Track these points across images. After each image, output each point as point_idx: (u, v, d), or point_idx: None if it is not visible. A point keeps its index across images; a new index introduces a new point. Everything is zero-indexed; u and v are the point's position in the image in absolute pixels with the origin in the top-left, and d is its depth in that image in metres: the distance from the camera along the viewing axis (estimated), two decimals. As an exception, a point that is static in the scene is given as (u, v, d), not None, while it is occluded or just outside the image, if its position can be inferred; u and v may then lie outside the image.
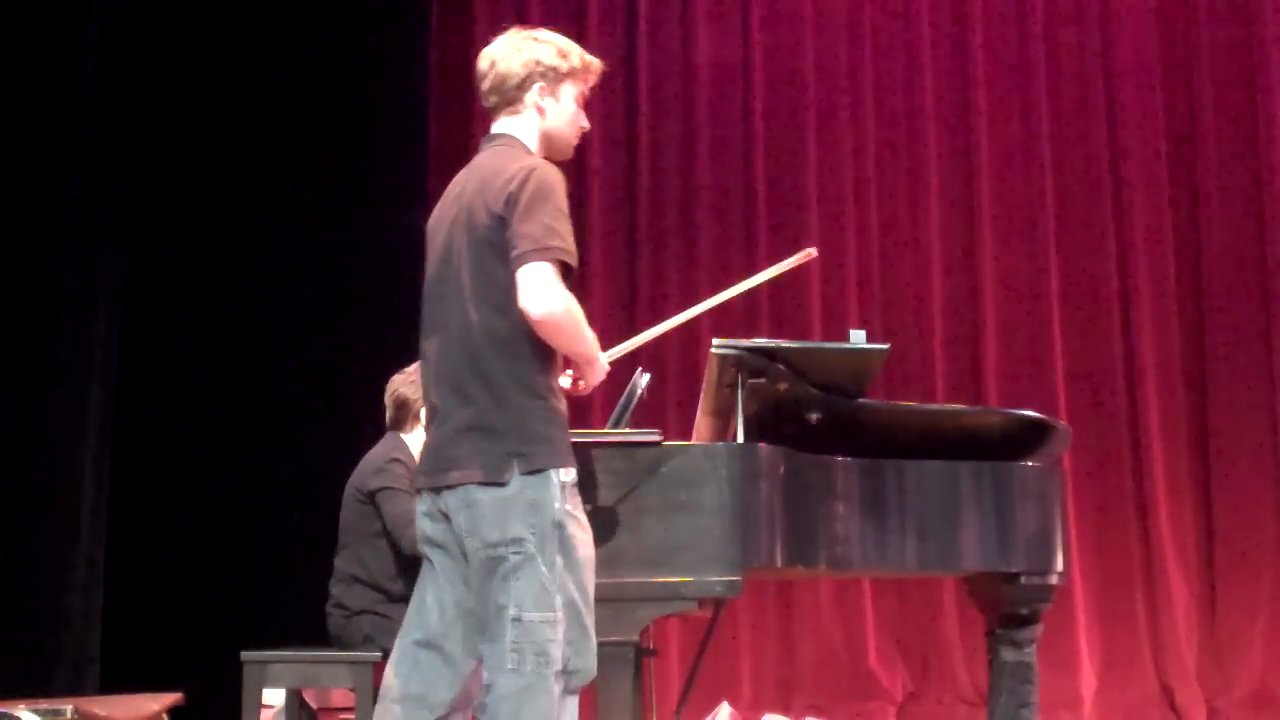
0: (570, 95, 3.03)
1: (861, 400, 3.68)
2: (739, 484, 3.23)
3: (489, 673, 2.80)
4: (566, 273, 2.81)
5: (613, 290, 6.34)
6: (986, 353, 6.21)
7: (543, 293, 2.75)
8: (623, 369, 5.93)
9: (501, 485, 2.77)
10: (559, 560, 2.77)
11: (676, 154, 6.48)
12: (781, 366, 3.48)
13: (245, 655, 4.25)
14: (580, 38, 6.43)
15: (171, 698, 4.51)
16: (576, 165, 6.48)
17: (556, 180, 2.86)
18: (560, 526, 2.78)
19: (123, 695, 4.58)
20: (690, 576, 3.19)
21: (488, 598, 2.80)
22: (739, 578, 3.20)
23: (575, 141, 3.09)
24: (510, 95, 3.00)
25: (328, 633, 4.36)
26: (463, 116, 6.31)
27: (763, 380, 3.46)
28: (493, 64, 3.02)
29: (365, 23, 6.17)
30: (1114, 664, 5.98)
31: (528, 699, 2.74)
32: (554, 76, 3.00)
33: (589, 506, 3.02)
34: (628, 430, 3.33)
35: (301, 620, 4.60)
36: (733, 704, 5.92)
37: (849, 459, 3.54)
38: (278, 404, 6.01)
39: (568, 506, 2.80)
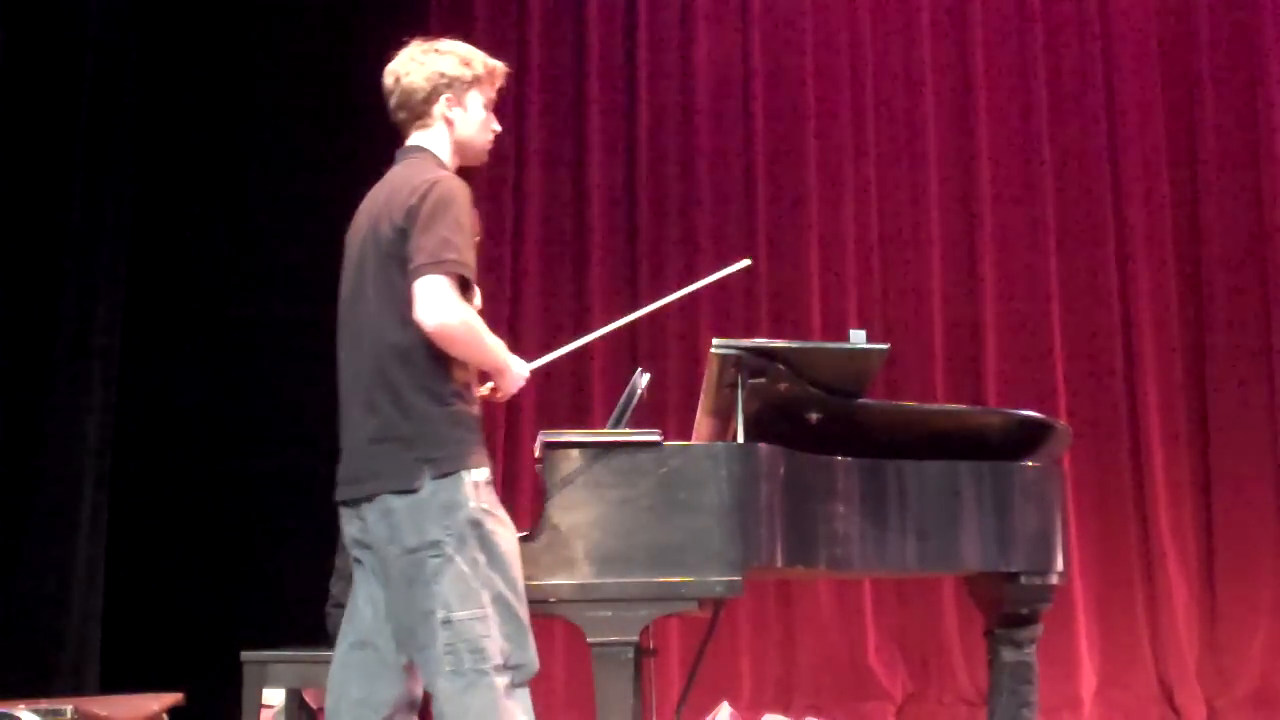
0: (478, 102, 3.09)
1: (861, 400, 3.68)
2: (739, 484, 3.23)
3: (427, 681, 2.83)
4: (465, 286, 2.87)
5: (613, 291, 6.33)
6: (986, 353, 6.21)
7: (435, 306, 2.80)
8: (622, 369, 5.97)
9: (414, 491, 2.81)
10: (480, 558, 2.79)
11: (676, 154, 6.48)
12: (781, 366, 3.48)
13: (245, 655, 4.25)
14: (580, 39, 6.54)
15: (171, 698, 4.50)
16: (576, 166, 6.49)
17: (458, 193, 2.90)
18: (477, 524, 2.80)
19: (123, 695, 4.58)
20: (690, 576, 3.19)
21: (413, 605, 2.82)
22: (739, 578, 3.20)
23: (488, 146, 3.15)
24: (418, 109, 3.07)
25: (327, 633, 4.35)
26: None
27: (763, 380, 3.46)
28: (397, 80, 3.08)
29: (363, 22, 6.17)
30: (1114, 664, 5.98)
31: (472, 697, 2.75)
32: (459, 86, 3.06)
33: (591, 507, 3.02)
34: (628, 430, 3.33)
35: (301, 620, 4.60)
36: (733, 704, 5.92)
37: (849, 459, 3.54)
38: (278, 403, 6.00)
39: (483, 505, 2.82)
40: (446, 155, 3.07)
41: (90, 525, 5.62)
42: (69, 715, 4.11)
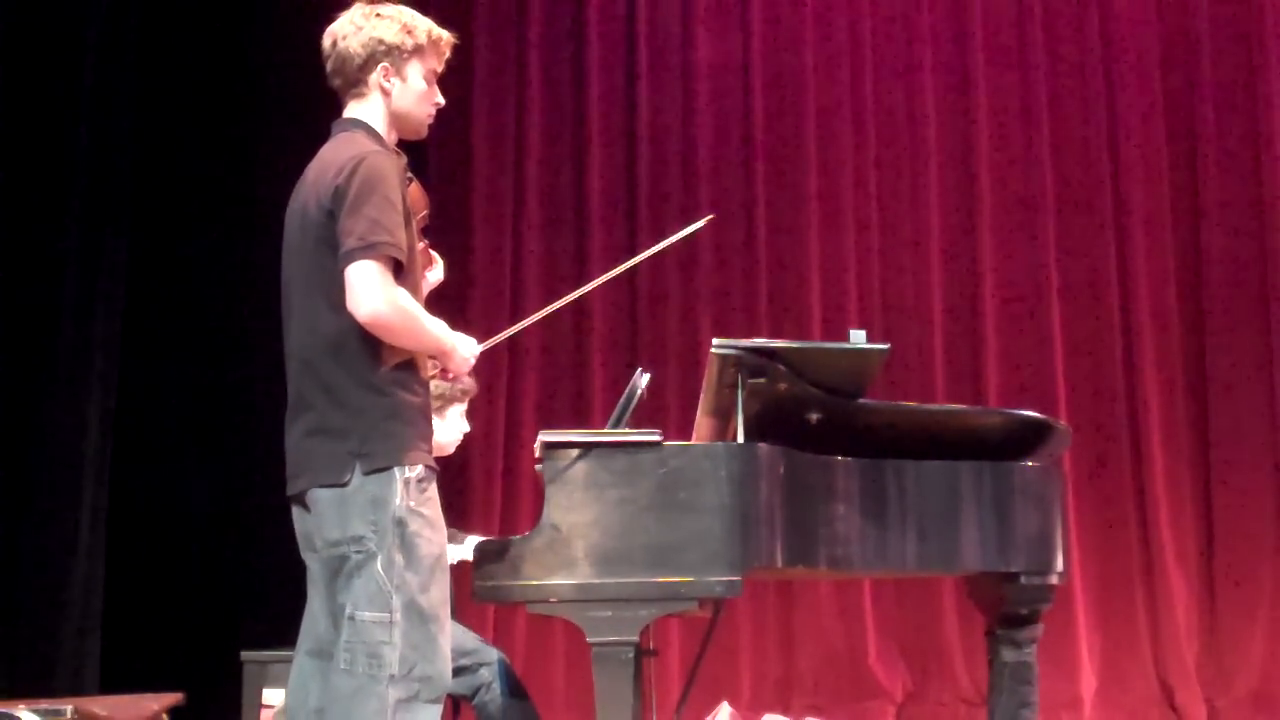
0: (418, 73, 2.91)
1: (861, 400, 3.68)
2: (739, 484, 3.23)
3: (331, 671, 2.74)
4: (398, 268, 2.73)
5: (612, 290, 6.32)
6: (986, 353, 6.20)
7: (368, 293, 2.67)
8: (622, 369, 5.96)
9: (342, 485, 2.71)
10: (399, 559, 2.69)
11: (676, 155, 6.48)
12: (781, 366, 3.48)
13: (245, 655, 4.26)
14: (580, 39, 6.53)
15: (171, 698, 4.50)
16: (576, 166, 6.49)
17: (386, 170, 2.76)
18: (402, 524, 2.70)
19: (123, 695, 4.58)
20: (690, 576, 3.19)
21: (333, 598, 2.77)
22: (739, 578, 3.20)
23: (429, 120, 2.99)
24: (353, 77, 2.90)
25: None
26: (462, 115, 6.32)
27: (763, 380, 3.46)
28: (334, 43, 2.90)
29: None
30: (1114, 664, 5.98)
31: (358, 702, 2.66)
32: (398, 55, 2.88)
33: (591, 507, 3.01)
34: (628, 430, 3.33)
35: (301, 620, 4.60)
36: (733, 704, 5.92)
37: (849, 459, 3.54)
38: (279, 403, 5.99)
39: (411, 503, 2.72)
40: (382, 128, 2.91)
41: (90, 525, 5.62)
42: (69, 715, 4.10)
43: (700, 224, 3.79)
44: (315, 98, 6.15)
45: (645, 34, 6.52)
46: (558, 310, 3.69)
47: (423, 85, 2.93)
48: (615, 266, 6.22)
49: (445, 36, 2.96)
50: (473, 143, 6.45)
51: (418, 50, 2.90)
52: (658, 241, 6.26)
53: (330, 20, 2.99)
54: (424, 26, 2.92)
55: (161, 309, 6.09)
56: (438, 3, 6.34)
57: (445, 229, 6.33)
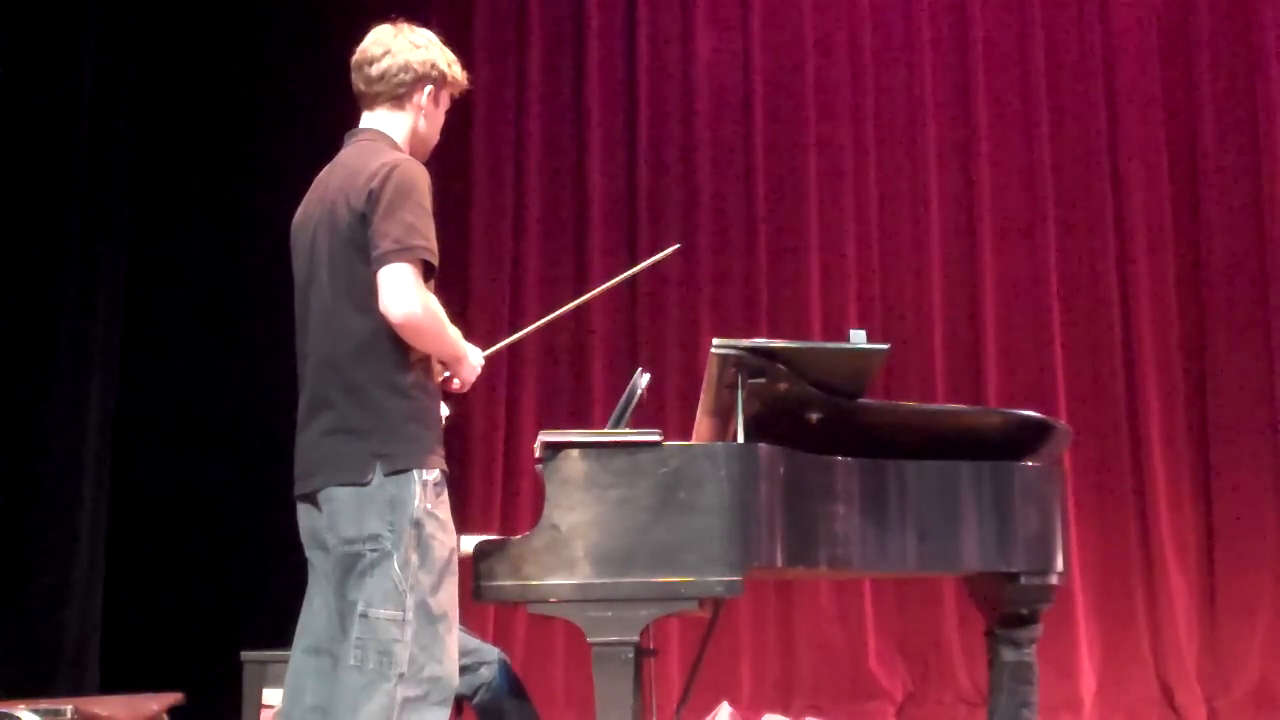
0: (445, 104, 3.06)
1: (861, 400, 3.68)
2: (739, 484, 3.23)
3: (339, 669, 2.77)
4: (429, 271, 2.80)
5: (613, 291, 6.31)
6: (986, 353, 6.21)
7: (403, 295, 2.73)
8: (622, 369, 5.96)
9: (362, 484, 2.76)
10: (414, 559, 2.74)
11: (676, 157, 6.48)
12: (781, 366, 3.48)
13: (245, 655, 4.26)
14: (580, 41, 6.53)
15: (171, 698, 4.51)
16: (576, 168, 6.49)
17: (420, 176, 2.83)
18: (419, 525, 2.75)
19: (123, 695, 4.58)
20: (690, 576, 3.18)
21: (344, 596, 2.79)
22: (739, 578, 3.20)
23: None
24: (398, 91, 2.99)
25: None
26: (462, 115, 6.31)
27: (763, 380, 3.46)
28: (388, 53, 2.99)
29: (364, 22, 6.17)
30: (1114, 664, 5.98)
31: (365, 698, 2.68)
32: (442, 83, 3.02)
33: (591, 507, 3.01)
34: (628, 430, 3.33)
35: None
36: (733, 704, 5.92)
37: (849, 459, 3.54)
38: (279, 403, 5.99)
39: (428, 505, 2.77)
40: (403, 143, 2.99)
41: (90, 525, 5.63)
42: (69, 715, 4.11)
43: (668, 251, 3.87)
44: (317, 99, 6.21)
45: (645, 34, 6.52)
46: (555, 310, 3.69)
47: (443, 116, 3.06)
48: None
49: (464, 79, 3.10)
50: (472, 144, 6.44)
51: (453, 83, 3.04)
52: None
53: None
54: (457, 63, 3.07)
55: (161, 309, 6.09)
56: (439, 4, 6.41)
57: (444, 231, 6.34)
